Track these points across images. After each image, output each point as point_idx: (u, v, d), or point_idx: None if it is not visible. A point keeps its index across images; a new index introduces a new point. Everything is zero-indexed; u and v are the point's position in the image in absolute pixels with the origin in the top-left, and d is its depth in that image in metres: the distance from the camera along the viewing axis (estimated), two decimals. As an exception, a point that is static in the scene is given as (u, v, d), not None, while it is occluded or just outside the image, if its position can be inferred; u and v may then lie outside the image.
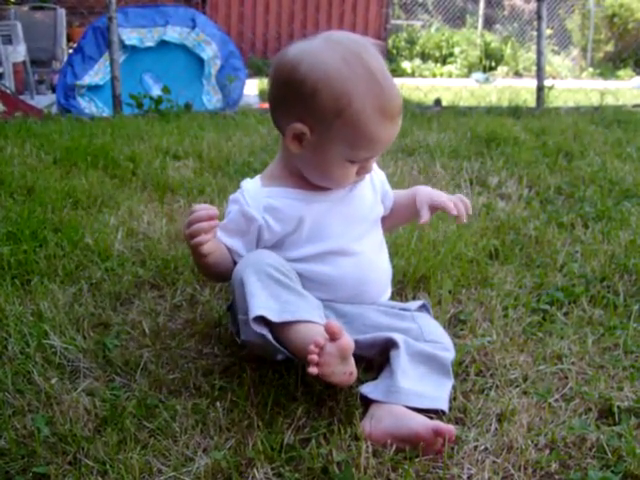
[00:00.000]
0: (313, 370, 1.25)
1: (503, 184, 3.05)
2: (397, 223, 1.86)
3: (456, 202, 1.61)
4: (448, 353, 1.47)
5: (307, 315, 1.35)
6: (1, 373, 1.48)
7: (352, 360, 1.32)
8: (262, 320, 1.35)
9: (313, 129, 1.45)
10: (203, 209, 1.44)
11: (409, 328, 1.50)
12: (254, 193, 1.56)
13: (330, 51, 1.43)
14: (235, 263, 1.57)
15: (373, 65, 1.43)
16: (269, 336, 1.36)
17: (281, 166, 1.60)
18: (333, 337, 1.26)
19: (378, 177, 1.68)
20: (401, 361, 1.39)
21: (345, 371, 1.30)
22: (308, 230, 1.55)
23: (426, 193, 1.66)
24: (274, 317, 1.34)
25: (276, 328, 1.35)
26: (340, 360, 1.28)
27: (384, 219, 1.71)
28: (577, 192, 2.89)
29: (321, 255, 1.55)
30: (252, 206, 1.54)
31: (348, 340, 1.29)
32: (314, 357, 1.25)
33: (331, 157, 1.47)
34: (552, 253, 2.20)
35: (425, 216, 1.60)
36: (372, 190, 1.65)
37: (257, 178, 1.61)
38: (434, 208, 1.63)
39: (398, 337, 1.44)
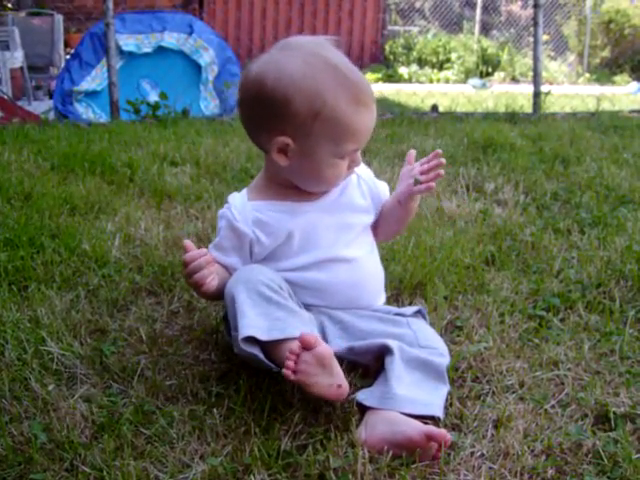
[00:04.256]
0: (288, 373, 1.26)
1: (499, 190, 3.06)
2: (390, 229, 1.74)
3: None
4: (443, 359, 1.47)
5: (297, 332, 1.34)
6: (-2, 380, 1.48)
7: (339, 372, 1.31)
8: (252, 338, 1.35)
9: (295, 137, 1.46)
10: (197, 256, 1.44)
11: (404, 334, 1.50)
12: (241, 207, 1.57)
13: (290, 58, 1.45)
14: None
15: (334, 60, 1.45)
16: (260, 355, 1.37)
17: (266, 179, 1.61)
18: (308, 347, 1.27)
19: (366, 182, 1.66)
20: (395, 367, 1.39)
21: (332, 383, 1.29)
22: (298, 242, 1.56)
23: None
24: (262, 336, 1.34)
25: (267, 345, 1.36)
26: (320, 369, 1.27)
27: (376, 228, 1.70)
28: (573, 198, 2.90)
29: (314, 264, 1.56)
30: (241, 221, 1.56)
31: (325, 348, 1.29)
32: (290, 363, 1.26)
33: (320, 158, 1.48)
34: (548, 259, 2.21)
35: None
36: (361, 196, 1.65)
37: (244, 192, 1.62)
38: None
39: (392, 343, 1.44)
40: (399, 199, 1.63)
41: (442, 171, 1.56)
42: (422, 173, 1.57)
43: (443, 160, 1.57)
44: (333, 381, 1.29)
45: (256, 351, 1.36)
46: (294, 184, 1.57)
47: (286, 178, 1.56)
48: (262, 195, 1.59)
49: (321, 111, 1.42)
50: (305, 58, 1.45)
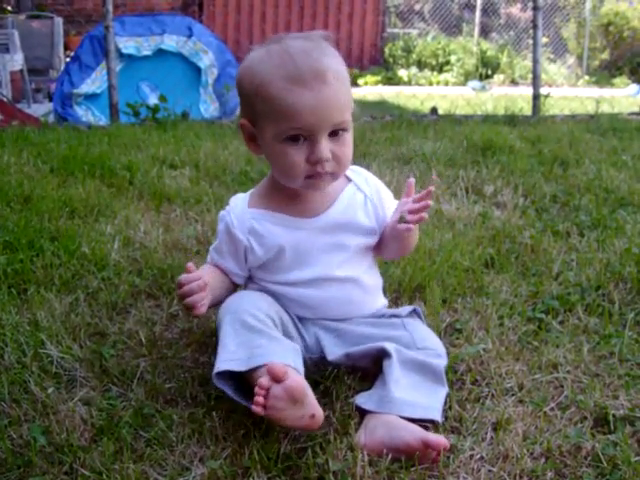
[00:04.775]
0: (257, 409, 1.22)
1: (499, 192, 3.06)
2: (391, 252, 1.65)
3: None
4: (440, 360, 1.47)
5: (278, 359, 1.30)
6: (-3, 383, 1.48)
7: (312, 401, 1.27)
8: (227, 372, 1.34)
9: (251, 120, 1.49)
10: (192, 279, 1.43)
11: (400, 336, 1.50)
12: (240, 213, 1.56)
13: (261, 48, 1.48)
14: (233, 283, 1.60)
15: (292, 44, 1.44)
16: (229, 392, 1.36)
17: (269, 186, 1.60)
18: (277, 379, 1.23)
19: (373, 204, 1.59)
20: (393, 370, 1.39)
21: (303, 415, 1.25)
22: (290, 258, 1.54)
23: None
24: (241, 367, 1.32)
25: (248, 375, 1.33)
26: (290, 404, 1.23)
27: (380, 249, 1.63)
28: (572, 200, 2.90)
29: (306, 281, 1.54)
30: (237, 227, 1.55)
31: (297, 382, 1.25)
32: (259, 399, 1.23)
33: (268, 142, 1.46)
34: (547, 262, 2.21)
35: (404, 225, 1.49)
36: (365, 216, 1.58)
37: (247, 195, 1.61)
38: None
39: (390, 346, 1.44)
40: (389, 230, 1.57)
41: (425, 215, 1.48)
42: (411, 211, 1.48)
43: (430, 202, 1.48)
44: (305, 412, 1.25)
45: (227, 387, 1.36)
46: (295, 193, 1.54)
47: (286, 185, 1.53)
48: (263, 203, 1.57)
49: (258, 88, 1.43)
50: (269, 46, 1.46)
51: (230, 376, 1.36)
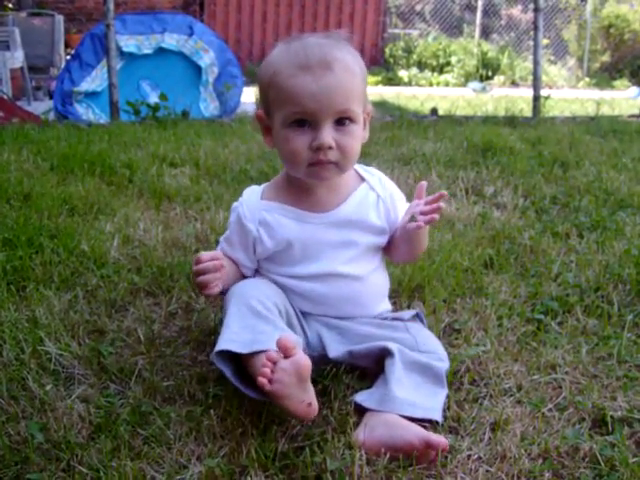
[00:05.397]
0: (263, 382, 1.22)
1: (499, 193, 3.06)
2: (402, 254, 1.64)
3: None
4: (442, 363, 1.47)
5: None
6: (-5, 379, 1.48)
7: (312, 390, 1.28)
8: (228, 354, 1.34)
9: (264, 109, 1.51)
10: (208, 258, 1.46)
11: (403, 338, 1.50)
12: (253, 205, 1.57)
13: (283, 44, 1.50)
14: (242, 275, 1.61)
15: (309, 39, 1.47)
16: (228, 373, 1.36)
17: (282, 179, 1.61)
18: (286, 353, 1.24)
19: (385, 205, 1.59)
20: (396, 370, 1.39)
21: (304, 399, 1.26)
22: (298, 252, 1.55)
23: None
24: (242, 349, 1.33)
25: (248, 359, 1.33)
26: (297, 381, 1.24)
27: (390, 250, 1.64)
28: (572, 202, 2.90)
29: (313, 276, 1.55)
30: (248, 218, 1.56)
31: (305, 358, 1.25)
32: (266, 371, 1.23)
33: (277, 129, 1.48)
34: (547, 263, 2.21)
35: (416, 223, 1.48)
36: (377, 217, 1.58)
37: (261, 188, 1.62)
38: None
39: (393, 346, 1.44)
40: (399, 231, 1.57)
41: (437, 216, 1.47)
42: (422, 213, 1.48)
43: (442, 204, 1.47)
44: (305, 397, 1.26)
45: (225, 368, 1.36)
46: (307, 187, 1.55)
47: (299, 178, 1.53)
48: (277, 195, 1.58)
49: (272, 79, 1.45)
50: (290, 42, 1.48)
51: (230, 358, 1.36)
